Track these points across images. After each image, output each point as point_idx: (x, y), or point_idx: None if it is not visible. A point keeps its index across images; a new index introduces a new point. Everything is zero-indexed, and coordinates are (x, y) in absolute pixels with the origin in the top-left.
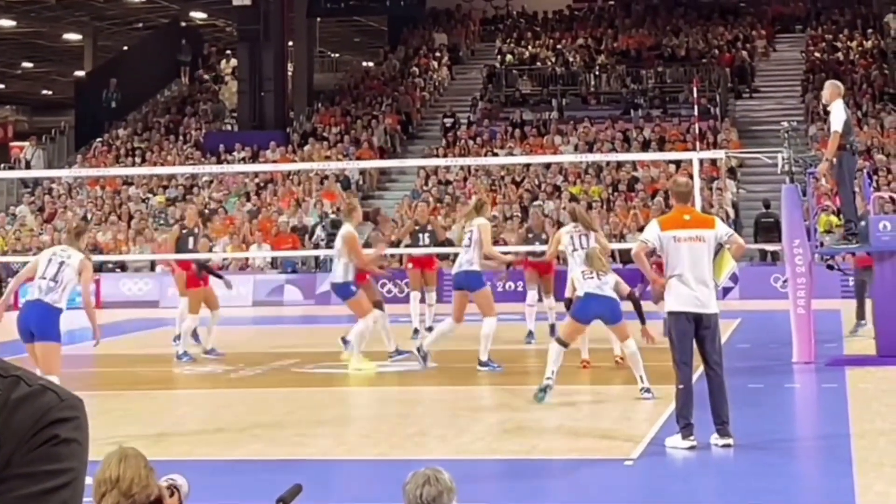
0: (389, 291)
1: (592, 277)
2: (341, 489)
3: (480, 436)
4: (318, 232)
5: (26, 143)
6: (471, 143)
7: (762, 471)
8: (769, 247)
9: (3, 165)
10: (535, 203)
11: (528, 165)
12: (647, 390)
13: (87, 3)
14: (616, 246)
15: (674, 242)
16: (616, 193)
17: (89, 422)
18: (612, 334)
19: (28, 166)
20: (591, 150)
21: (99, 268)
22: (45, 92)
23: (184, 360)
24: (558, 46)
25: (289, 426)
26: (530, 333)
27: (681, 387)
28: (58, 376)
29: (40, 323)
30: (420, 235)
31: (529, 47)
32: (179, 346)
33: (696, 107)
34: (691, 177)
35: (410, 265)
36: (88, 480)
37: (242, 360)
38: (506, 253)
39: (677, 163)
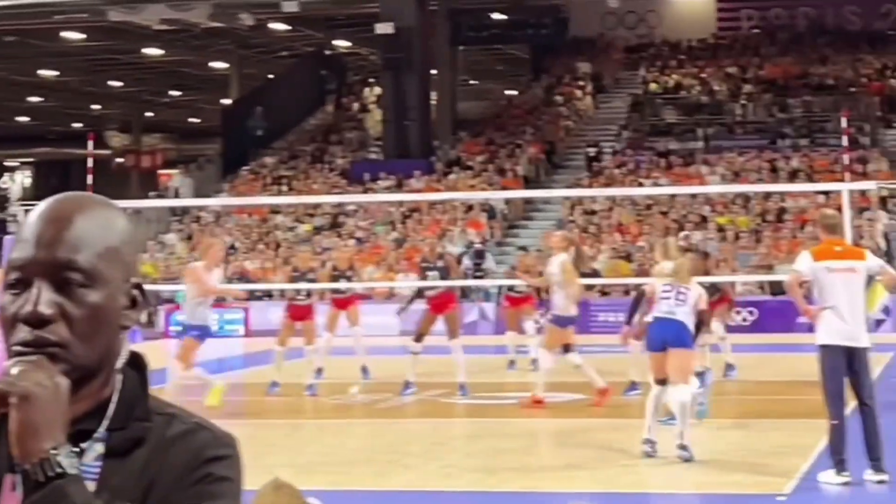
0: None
1: (669, 297)
2: None
3: (629, 469)
4: (465, 261)
5: (174, 171)
6: (615, 172)
7: None
8: None
9: (152, 193)
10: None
11: (674, 195)
12: (649, 442)
13: (233, 32)
14: (764, 277)
15: (827, 273)
16: (764, 224)
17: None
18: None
19: (176, 194)
20: (737, 180)
21: (247, 296)
22: (192, 119)
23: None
24: (703, 75)
25: (438, 457)
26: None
27: (834, 422)
28: None
29: None
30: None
31: (674, 76)
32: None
33: (845, 137)
34: (839, 208)
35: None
36: None
37: (390, 390)
38: None
39: (826, 193)
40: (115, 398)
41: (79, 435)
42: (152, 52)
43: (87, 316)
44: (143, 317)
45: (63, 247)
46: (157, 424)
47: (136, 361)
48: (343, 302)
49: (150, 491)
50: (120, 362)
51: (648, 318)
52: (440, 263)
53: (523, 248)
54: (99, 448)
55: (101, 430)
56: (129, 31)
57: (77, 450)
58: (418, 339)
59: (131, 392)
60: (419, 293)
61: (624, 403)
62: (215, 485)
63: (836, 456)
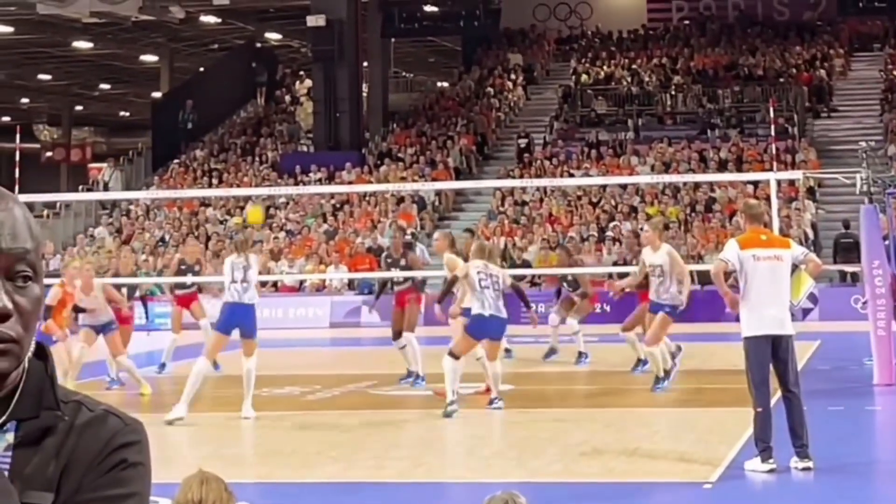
0: None
1: (487, 284)
2: None
3: (557, 458)
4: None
5: (104, 165)
6: (546, 163)
7: (842, 494)
8: (848, 268)
9: (81, 187)
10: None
11: (604, 186)
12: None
13: (164, 25)
14: (694, 267)
15: (753, 262)
16: (693, 214)
17: (166, 443)
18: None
19: (106, 188)
20: (667, 171)
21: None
22: (122, 113)
23: None
24: (634, 66)
25: (366, 448)
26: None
27: (759, 409)
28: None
29: (251, 322)
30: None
31: (605, 67)
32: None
33: (773, 126)
34: (768, 197)
35: None
36: (166, 502)
37: (319, 382)
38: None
39: (755, 183)
40: (20, 388)
41: None
42: (82, 45)
43: (34, 310)
44: None
45: (17, 240)
46: (66, 412)
47: (39, 351)
48: (186, 299)
49: (64, 478)
50: (28, 352)
51: (483, 311)
52: (403, 262)
53: (469, 231)
54: (9, 438)
55: (8, 420)
56: (58, 25)
57: None
58: (396, 336)
59: (37, 381)
60: (384, 286)
61: (543, 394)
62: (129, 470)
63: (762, 444)
